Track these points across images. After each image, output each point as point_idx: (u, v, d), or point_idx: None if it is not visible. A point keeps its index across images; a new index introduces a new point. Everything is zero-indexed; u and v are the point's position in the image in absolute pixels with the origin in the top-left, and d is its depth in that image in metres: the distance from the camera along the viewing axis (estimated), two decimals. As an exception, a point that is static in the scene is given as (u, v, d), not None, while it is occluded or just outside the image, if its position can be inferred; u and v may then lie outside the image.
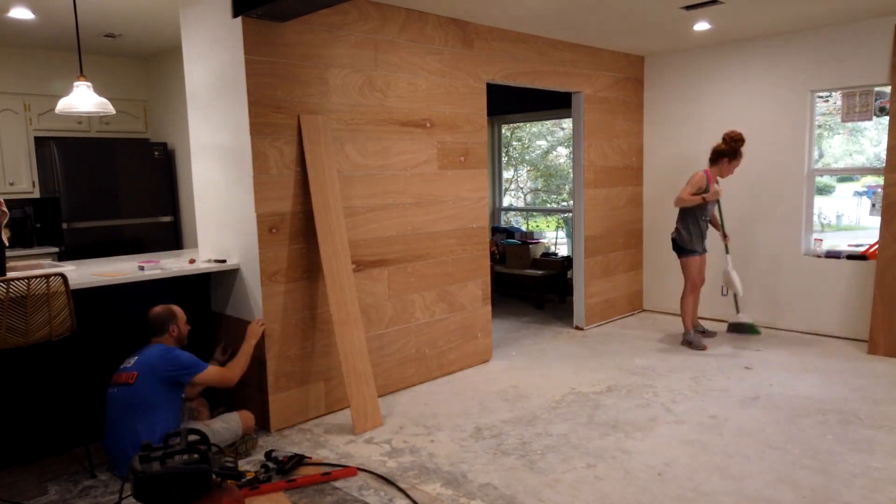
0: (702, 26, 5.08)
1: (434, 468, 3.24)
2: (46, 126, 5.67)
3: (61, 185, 5.42)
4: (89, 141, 5.81)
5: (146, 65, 6.26)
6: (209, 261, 3.92)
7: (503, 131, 8.26)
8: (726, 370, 4.65)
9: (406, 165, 4.31)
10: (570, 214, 6.24)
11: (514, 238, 7.51)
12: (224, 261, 3.86)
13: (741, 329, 5.55)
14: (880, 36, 4.97)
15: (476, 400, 4.18)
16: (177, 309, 3.42)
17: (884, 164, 4.96)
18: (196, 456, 2.35)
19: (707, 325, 5.82)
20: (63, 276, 3.06)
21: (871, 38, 5.02)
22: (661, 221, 6.40)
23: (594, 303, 5.98)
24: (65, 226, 5.48)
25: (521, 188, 9.04)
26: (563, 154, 8.71)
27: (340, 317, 3.76)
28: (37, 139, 5.63)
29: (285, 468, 3.18)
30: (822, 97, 5.65)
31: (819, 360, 4.81)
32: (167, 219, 6.10)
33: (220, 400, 4.00)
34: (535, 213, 8.74)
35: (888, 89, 5.00)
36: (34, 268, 3.89)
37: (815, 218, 5.74)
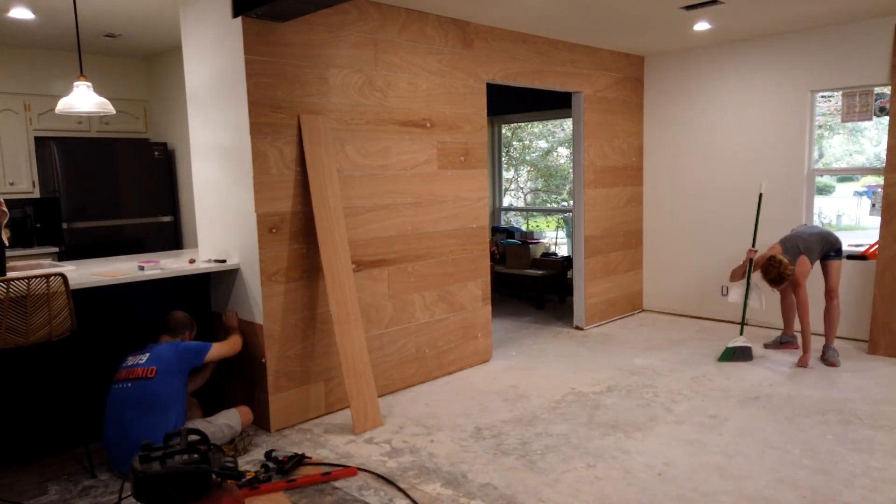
0: (702, 26, 5.08)
1: (434, 468, 3.24)
2: (46, 126, 5.67)
3: (61, 185, 5.42)
4: (89, 141, 5.81)
5: (146, 65, 6.26)
6: (209, 261, 3.92)
7: (503, 131, 8.26)
8: (726, 370, 4.65)
9: (406, 165, 4.31)
10: (570, 214, 6.24)
11: (514, 238, 7.51)
12: (224, 261, 3.85)
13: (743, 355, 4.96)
14: (880, 36, 4.97)
15: (476, 400, 4.18)
16: (193, 321, 3.62)
17: (884, 164, 4.96)
18: (196, 456, 2.35)
19: (707, 325, 5.82)
20: (63, 276, 3.06)
21: (871, 38, 5.02)
22: (661, 221, 6.40)
23: (594, 303, 5.98)
24: (65, 226, 5.48)
25: (521, 188, 9.04)
26: (563, 154, 8.71)
27: (340, 317, 3.77)
28: (37, 139, 5.63)
29: (285, 468, 3.18)
30: (822, 97, 5.65)
31: (819, 360, 4.80)
32: (167, 219, 6.10)
33: (219, 402, 4.00)
34: (535, 213, 8.74)
35: (888, 89, 5.00)
36: (34, 268, 3.88)
37: (815, 218, 5.74)
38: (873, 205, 5.91)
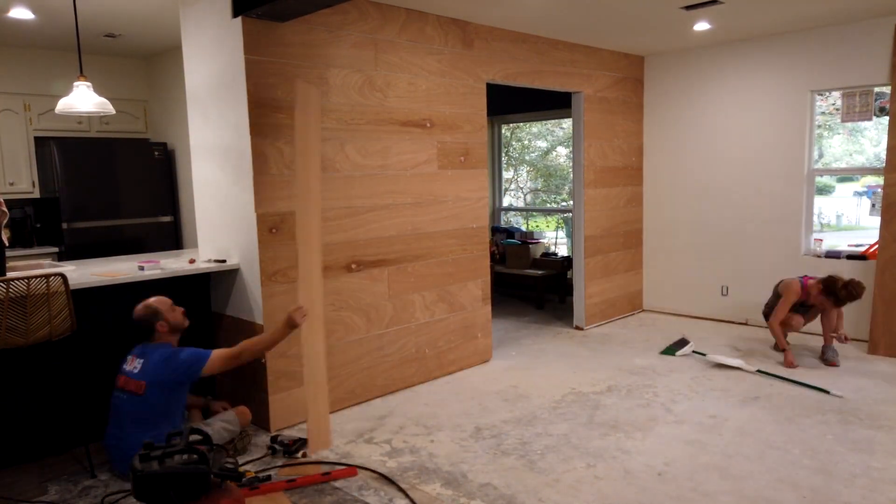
0: (702, 26, 5.08)
1: (434, 468, 3.24)
2: (46, 126, 5.67)
3: (61, 185, 5.42)
4: (89, 141, 5.81)
5: (146, 65, 6.26)
6: (209, 261, 3.92)
7: (503, 131, 8.25)
8: (726, 370, 4.65)
9: (406, 165, 4.31)
10: (570, 214, 6.24)
11: (514, 238, 7.51)
12: (224, 261, 3.85)
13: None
14: (880, 36, 4.97)
15: (476, 400, 4.18)
16: (157, 302, 3.24)
17: (884, 164, 4.96)
18: (195, 456, 2.35)
19: (707, 325, 5.82)
20: (63, 275, 3.06)
21: (871, 38, 5.02)
22: (661, 221, 6.40)
23: (594, 303, 5.99)
24: (65, 226, 5.48)
25: (521, 188, 9.04)
26: (563, 154, 8.71)
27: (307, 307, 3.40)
28: (37, 139, 5.63)
29: (291, 449, 3.31)
30: (822, 95, 5.65)
31: (819, 359, 4.80)
32: (167, 219, 6.10)
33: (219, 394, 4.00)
34: (535, 213, 8.74)
35: (888, 89, 5.00)
36: (34, 268, 3.88)
37: (815, 218, 5.74)
38: (873, 205, 5.91)
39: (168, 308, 3.28)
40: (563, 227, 8.37)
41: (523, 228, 8.21)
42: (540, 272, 6.85)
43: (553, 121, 8.21)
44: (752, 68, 5.65)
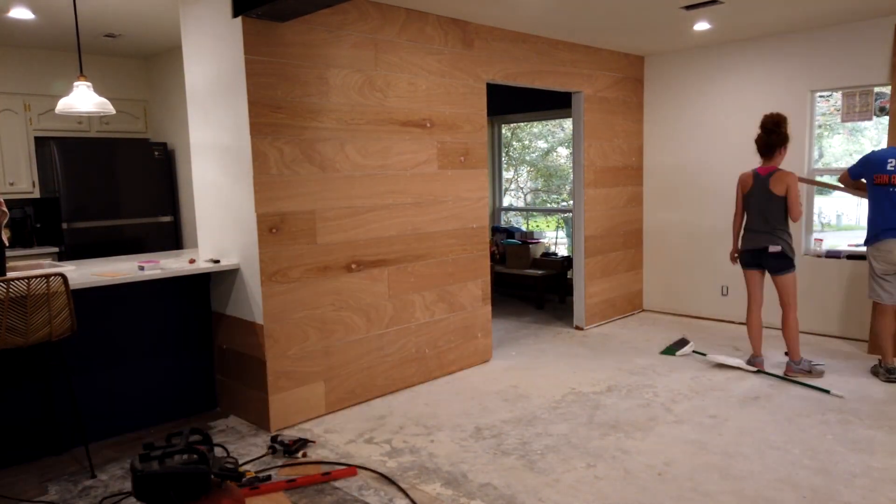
0: (702, 26, 5.08)
1: (434, 468, 3.24)
2: (46, 126, 5.67)
3: (61, 185, 5.42)
4: (89, 141, 5.81)
5: (146, 65, 6.26)
6: (209, 261, 3.92)
7: (503, 131, 8.25)
8: (726, 370, 4.65)
9: (406, 165, 4.31)
10: (570, 214, 6.24)
11: (514, 238, 7.51)
12: (218, 261, 3.86)
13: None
14: (880, 36, 4.97)
15: (476, 400, 4.18)
16: None
17: (884, 164, 4.95)
18: (195, 456, 2.35)
19: (707, 325, 5.81)
20: (63, 276, 3.06)
21: (871, 38, 5.02)
22: (661, 221, 6.40)
23: (594, 303, 5.98)
24: (65, 226, 5.48)
25: (521, 188, 9.04)
26: (563, 154, 8.71)
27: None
28: (37, 139, 5.63)
29: (291, 449, 3.32)
30: (822, 97, 5.65)
31: (819, 359, 4.80)
32: (167, 219, 6.10)
33: (218, 403, 4.00)
34: (535, 213, 8.74)
35: (888, 89, 5.00)
36: (34, 268, 3.89)
37: (815, 218, 5.73)
38: (873, 205, 5.89)
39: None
40: (563, 227, 8.37)
41: (523, 228, 8.21)
42: (540, 272, 6.85)
43: (554, 121, 8.21)
44: (752, 68, 5.65)
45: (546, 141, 8.87)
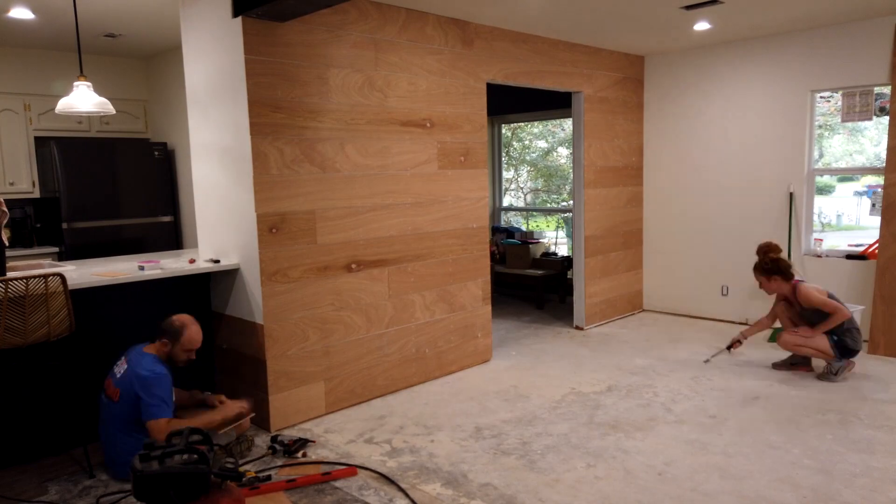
0: (702, 26, 5.08)
1: (434, 468, 3.24)
2: (46, 126, 5.67)
3: (61, 185, 5.42)
4: (89, 141, 5.81)
5: (146, 65, 6.26)
6: (209, 261, 3.92)
7: (503, 131, 8.25)
8: (726, 370, 4.65)
9: (406, 165, 4.31)
10: (570, 214, 6.24)
11: (514, 238, 7.50)
12: (218, 261, 3.85)
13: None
14: (880, 36, 4.97)
15: (476, 400, 4.18)
16: (189, 330, 3.16)
17: (884, 164, 4.96)
18: (195, 456, 2.35)
19: (707, 325, 5.81)
20: (61, 276, 3.06)
21: (871, 38, 5.02)
22: (661, 221, 6.40)
23: (594, 303, 5.98)
24: (65, 226, 5.48)
25: (522, 188, 9.04)
26: (563, 154, 8.71)
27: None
28: (37, 139, 5.63)
29: (291, 449, 3.33)
30: (823, 97, 5.65)
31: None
32: (167, 219, 6.10)
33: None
34: (535, 213, 8.74)
35: (888, 89, 5.00)
36: (34, 268, 3.88)
37: (816, 218, 5.73)
38: (873, 205, 5.90)
39: (183, 345, 3.17)
40: (563, 227, 8.36)
41: (523, 228, 8.21)
42: (540, 272, 6.85)
43: (554, 121, 8.20)
44: (752, 68, 5.65)
45: (546, 141, 8.87)
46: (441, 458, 3.35)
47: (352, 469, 3.21)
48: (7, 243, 4.43)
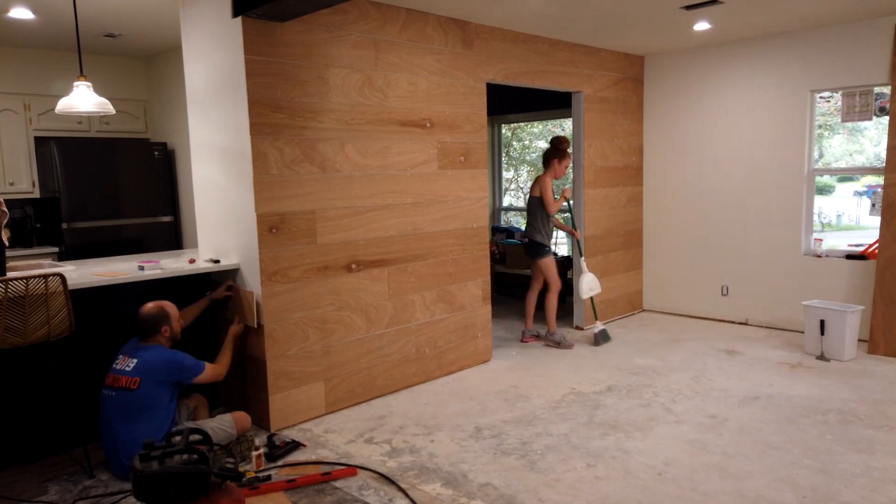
0: (702, 26, 5.08)
1: (434, 468, 3.24)
2: (46, 126, 5.67)
3: (61, 185, 5.42)
4: (89, 141, 5.81)
5: (146, 65, 6.26)
6: (209, 261, 3.92)
7: (503, 131, 8.25)
8: (726, 370, 4.65)
9: (406, 165, 4.31)
10: (570, 214, 6.23)
11: (514, 238, 7.50)
12: (218, 261, 3.85)
13: (603, 338, 5.42)
14: (880, 36, 4.97)
15: (476, 400, 4.18)
16: (169, 307, 3.33)
17: (884, 164, 4.96)
18: (195, 456, 2.35)
19: (707, 325, 5.81)
20: (61, 275, 3.06)
21: (871, 38, 5.02)
22: (661, 221, 6.40)
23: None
24: (65, 226, 5.48)
25: (521, 188, 9.04)
26: (563, 154, 8.69)
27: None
28: (37, 139, 5.63)
29: (274, 455, 3.33)
30: (823, 97, 5.65)
31: (819, 359, 4.80)
32: (167, 219, 6.10)
33: (219, 401, 4.00)
34: (535, 213, 8.72)
35: (888, 89, 5.00)
36: (34, 268, 3.88)
37: (816, 217, 5.74)
38: (873, 204, 5.91)
39: (175, 317, 3.36)
40: (563, 227, 8.35)
41: (523, 228, 8.20)
42: (540, 272, 6.83)
43: (554, 121, 8.20)
44: (752, 68, 5.65)
45: (546, 141, 8.87)
46: (441, 458, 3.35)
47: (352, 469, 3.21)
48: (7, 243, 4.43)
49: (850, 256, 5.30)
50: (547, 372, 4.71)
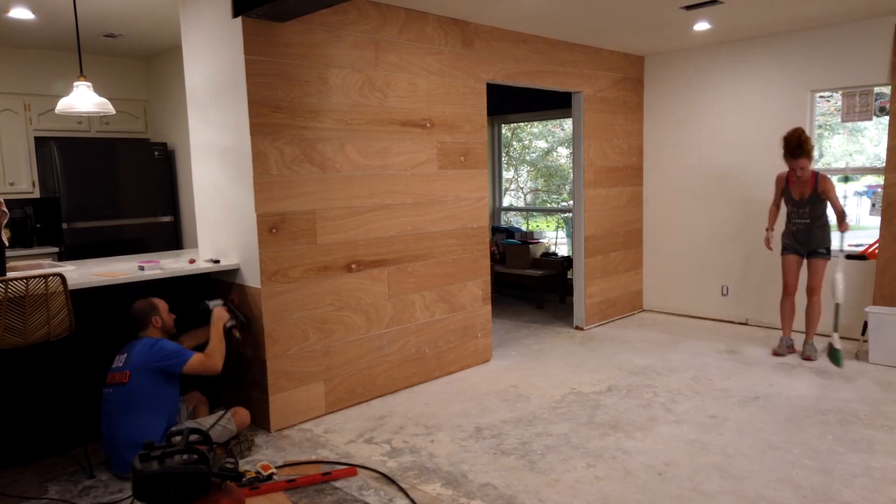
0: (702, 26, 5.08)
1: (434, 468, 3.24)
2: (46, 126, 5.67)
3: (61, 185, 5.42)
4: (89, 141, 5.81)
5: (146, 65, 6.26)
6: (209, 261, 3.92)
7: (503, 131, 8.25)
8: (726, 370, 4.65)
9: (406, 165, 4.31)
10: (570, 214, 6.24)
11: (514, 238, 7.51)
12: (218, 261, 3.85)
13: (833, 359, 4.68)
14: (880, 36, 4.97)
15: (476, 400, 4.18)
16: (157, 300, 3.39)
17: (884, 164, 4.96)
18: (195, 456, 2.35)
19: (707, 325, 5.81)
20: (61, 276, 3.06)
21: (871, 38, 5.02)
22: (661, 221, 6.40)
23: (594, 303, 5.98)
24: (65, 226, 5.48)
25: (522, 188, 9.04)
26: (563, 154, 8.71)
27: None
28: (37, 139, 5.63)
29: (260, 477, 3.10)
30: (823, 97, 5.65)
31: (819, 359, 4.80)
32: (167, 219, 6.10)
33: (219, 401, 4.00)
34: (535, 213, 8.74)
35: (888, 89, 5.00)
36: (34, 268, 3.88)
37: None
38: (873, 205, 5.91)
39: (164, 308, 3.39)
40: (563, 227, 8.36)
41: (523, 228, 8.21)
42: (540, 272, 6.85)
43: (554, 121, 8.20)
44: (752, 68, 5.65)
45: (546, 141, 8.87)
46: (441, 458, 3.35)
47: (352, 469, 3.21)
48: (7, 243, 4.43)
49: (850, 256, 5.30)
50: (547, 372, 4.71)
